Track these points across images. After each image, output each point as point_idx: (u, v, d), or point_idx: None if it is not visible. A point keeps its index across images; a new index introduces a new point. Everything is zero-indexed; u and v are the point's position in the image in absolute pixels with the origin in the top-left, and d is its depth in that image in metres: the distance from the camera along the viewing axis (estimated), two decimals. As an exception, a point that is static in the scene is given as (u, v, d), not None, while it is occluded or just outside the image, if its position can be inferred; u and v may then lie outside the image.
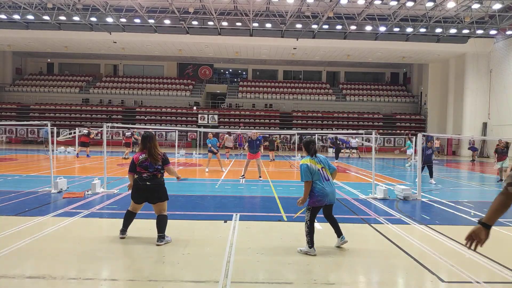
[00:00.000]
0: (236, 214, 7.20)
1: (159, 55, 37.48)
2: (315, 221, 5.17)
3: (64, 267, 4.41)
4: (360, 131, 25.47)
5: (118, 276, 4.20)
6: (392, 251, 5.26)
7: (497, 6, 23.97)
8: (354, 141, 26.87)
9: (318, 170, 5.07)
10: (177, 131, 28.38)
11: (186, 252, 5.00)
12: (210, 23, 28.58)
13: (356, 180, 13.52)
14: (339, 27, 28.01)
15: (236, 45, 32.17)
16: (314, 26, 28.05)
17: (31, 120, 33.52)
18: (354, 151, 27.60)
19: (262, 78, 43.92)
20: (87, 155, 20.50)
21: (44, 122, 10.24)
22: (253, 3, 24.85)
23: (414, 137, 19.14)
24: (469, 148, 26.86)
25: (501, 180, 13.17)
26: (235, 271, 4.37)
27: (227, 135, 20.41)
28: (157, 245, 5.22)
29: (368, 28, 27.99)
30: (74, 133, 23.86)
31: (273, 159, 21.08)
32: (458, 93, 32.94)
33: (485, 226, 2.57)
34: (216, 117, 36.95)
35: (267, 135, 27.50)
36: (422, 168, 12.22)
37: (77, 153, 20.43)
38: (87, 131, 20.77)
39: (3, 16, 27.47)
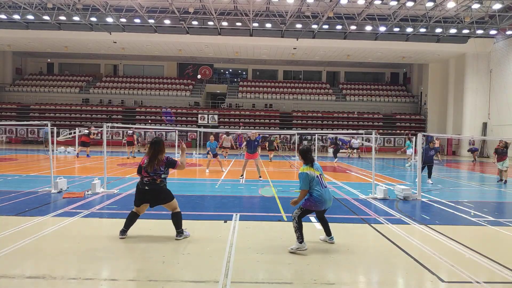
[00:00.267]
0: (236, 214, 7.20)
1: (159, 55, 37.49)
2: (315, 221, 5.18)
3: (64, 267, 4.42)
4: (360, 131, 25.48)
5: (118, 276, 4.20)
6: (392, 251, 5.26)
7: (497, 6, 23.97)
8: (356, 142, 26.88)
9: (317, 177, 5.19)
10: (177, 131, 28.37)
11: (186, 252, 5.00)
12: (210, 23, 28.59)
13: (356, 180, 13.52)
14: (339, 27, 28.01)
15: (236, 45, 32.18)
16: (314, 26, 28.05)
17: (31, 120, 33.54)
18: (355, 151, 27.60)
19: (262, 78, 43.93)
20: (87, 155, 20.50)
21: (44, 122, 10.21)
22: (253, 3, 24.85)
23: (414, 137, 19.15)
24: (468, 150, 26.76)
25: (501, 180, 13.17)
26: (235, 271, 4.37)
27: (225, 135, 20.41)
28: (176, 239, 5.50)
29: (368, 28, 28.00)
30: (74, 133, 23.86)
31: (271, 160, 21.11)
32: (458, 93, 32.95)
33: None
34: (216, 117, 36.96)
35: (267, 135, 27.48)
36: (422, 168, 12.22)
37: (77, 153, 20.43)
38: (87, 131, 20.78)
39: (3, 16, 27.48)
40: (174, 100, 39.59)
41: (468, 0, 23.42)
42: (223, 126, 35.97)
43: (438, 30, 27.82)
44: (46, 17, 27.06)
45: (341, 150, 25.62)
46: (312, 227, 6.19)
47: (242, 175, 12.79)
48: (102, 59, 42.41)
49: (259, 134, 13.10)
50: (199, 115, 36.92)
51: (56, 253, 4.86)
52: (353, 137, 27.03)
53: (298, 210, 5.20)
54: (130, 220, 5.62)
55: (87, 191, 9.03)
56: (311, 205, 5.15)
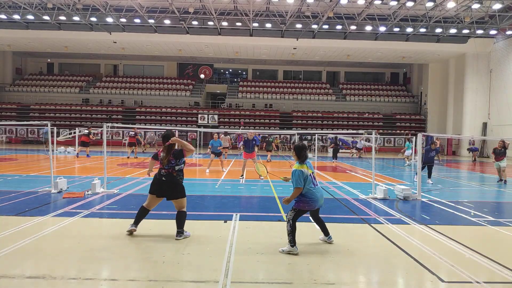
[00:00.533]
0: (236, 214, 7.21)
1: (159, 55, 37.50)
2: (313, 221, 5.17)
3: (64, 267, 4.41)
4: (360, 131, 25.47)
5: (118, 276, 4.19)
6: (392, 251, 5.26)
7: (497, 6, 23.98)
8: (361, 143, 26.91)
9: (309, 175, 5.13)
10: (177, 131, 28.38)
11: (186, 252, 5.00)
12: (210, 23, 28.59)
13: (356, 180, 13.52)
14: (339, 27, 28.01)
15: (236, 45, 32.18)
16: (314, 26, 28.05)
17: (31, 120, 33.55)
18: (355, 151, 27.62)
19: (262, 78, 43.93)
20: (87, 155, 20.51)
21: (44, 122, 10.22)
22: (253, 3, 24.85)
23: (414, 137, 19.15)
24: (468, 149, 26.77)
25: (501, 180, 13.18)
26: (235, 271, 4.37)
27: (223, 135, 20.41)
28: (176, 239, 5.47)
29: (368, 28, 28.00)
30: (74, 133, 23.87)
31: (270, 160, 21.02)
32: (458, 93, 32.96)
33: None
34: (216, 117, 36.96)
35: (266, 136, 27.45)
36: (422, 168, 12.22)
37: (77, 153, 20.43)
38: (87, 131, 20.79)
39: (3, 16, 27.48)
40: (174, 100, 39.60)
41: (468, 0, 23.42)
42: (223, 126, 35.98)
43: (438, 30, 27.82)
44: (46, 17, 27.07)
45: (344, 150, 25.61)
46: (312, 227, 6.18)
47: (242, 175, 12.87)
48: (102, 59, 42.41)
49: (259, 134, 13.14)
50: (199, 115, 36.94)
51: (56, 253, 4.85)
52: (356, 138, 27.02)
53: (292, 212, 5.11)
54: (140, 215, 5.73)
55: (87, 191, 9.03)
56: (304, 205, 5.09)
